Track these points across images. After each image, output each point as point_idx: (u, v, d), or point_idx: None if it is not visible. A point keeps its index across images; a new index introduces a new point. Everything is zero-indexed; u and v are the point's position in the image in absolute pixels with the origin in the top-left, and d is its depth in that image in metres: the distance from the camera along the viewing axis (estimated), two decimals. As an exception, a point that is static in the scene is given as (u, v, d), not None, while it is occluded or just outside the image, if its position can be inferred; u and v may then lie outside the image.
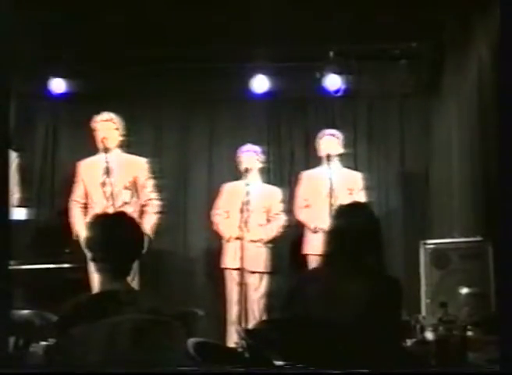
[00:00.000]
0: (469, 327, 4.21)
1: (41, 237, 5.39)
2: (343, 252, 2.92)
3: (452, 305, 4.43)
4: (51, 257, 5.24)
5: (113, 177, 5.14)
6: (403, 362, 2.81)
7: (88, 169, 5.29)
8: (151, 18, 5.44)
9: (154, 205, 5.33)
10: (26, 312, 3.87)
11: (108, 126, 5.29)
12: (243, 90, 6.34)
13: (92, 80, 6.12)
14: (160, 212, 5.35)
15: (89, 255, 2.80)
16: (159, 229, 5.43)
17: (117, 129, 5.31)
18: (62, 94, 6.35)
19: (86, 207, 5.28)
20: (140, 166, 5.33)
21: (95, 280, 4.92)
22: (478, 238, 4.90)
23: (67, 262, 5.23)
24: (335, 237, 2.99)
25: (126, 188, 5.21)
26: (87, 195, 5.27)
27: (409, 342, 3.88)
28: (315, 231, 5.47)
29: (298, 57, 6.16)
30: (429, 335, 4.09)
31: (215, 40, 5.77)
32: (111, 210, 4.95)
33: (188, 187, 6.61)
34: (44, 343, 3.36)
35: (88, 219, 5.09)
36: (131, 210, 5.05)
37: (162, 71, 6.28)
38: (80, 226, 5.15)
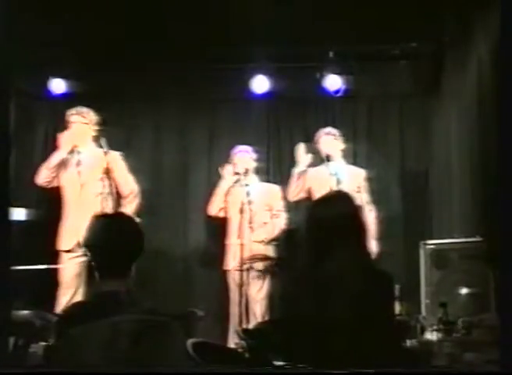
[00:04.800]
0: (469, 327, 4.21)
1: (41, 237, 5.39)
2: (325, 244, 2.87)
3: (452, 306, 4.45)
4: (50, 257, 5.25)
5: (83, 170, 5.21)
6: (403, 360, 2.80)
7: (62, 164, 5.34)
8: (151, 18, 5.43)
9: (134, 193, 5.39)
10: (26, 312, 3.88)
11: (82, 120, 5.33)
12: (243, 90, 6.34)
13: (92, 80, 6.12)
14: (138, 200, 5.41)
15: (88, 255, 2.80)
16: (159, 229, 5.43)
17: (87, 123, 5.32)
18: (62, 94, 6.35)
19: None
20: (112, 158, 5.33)
21: (68, 278, 4.99)
22: (478, 238, 4.90)
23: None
24: (313, 230, 2.94)
25: (100, 180, 5.20)
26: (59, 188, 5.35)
27: (409, 342, 3.89)
28: None
29: (298, 57, 6.16)
30: (429, 335, 4.10)
31: (215, 40, 5.77)
32: (81, 202, 5.10)
33: (188, 187, 6.60)
34: (44, 343, 3.37)
35: (65, 214, 5.23)
36: (106, 202, 5.09)
37: (162, 71, 6.28)
38: None
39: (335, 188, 5.34)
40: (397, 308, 4.26)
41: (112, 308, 2.49)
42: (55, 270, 5.19)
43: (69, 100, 6.35)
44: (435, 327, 4.20)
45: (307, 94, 6.46)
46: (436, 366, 3.38)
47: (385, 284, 2.86)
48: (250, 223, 5.41)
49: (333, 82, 6.26)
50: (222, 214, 5.72)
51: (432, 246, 5.04)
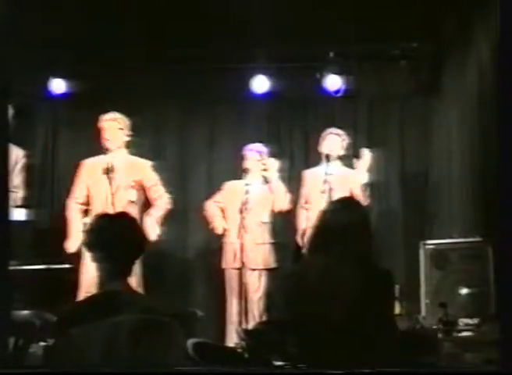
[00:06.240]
0: (469, 328, 4.22)
1: (41, 238, 5.39)
2: (330, 247, 2.89)
3: (452, 306, 4.45)
4: (51, 257, 5.25)
5: (118, 176, 5.16)
6: (403, 360, 2.80)
7: (91, 169, 5.31)
8: (151, 18, 5.44)
9: (162, 199, 5.38)
10: (26, 312, 3.88)
11: (112, 125, 5.31)
12: (243, 90, 6.34)
13: (92, 80, 6.12)
14: (170, 206, 5.42)
15: (90, 254, 2.80)
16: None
17: (121, 129, 5.33)
18: (62, 94, 6.36)
19: (85, 208, 5.31)
20: (144, 168, 5.37)
21: (87, 280, 4.97)
22: (478, 239, 4.90)
23: (67, 262, 5.23)
24: (322, 232, 2.96)
25: (132, 187, 5.22)
26: (88, 195, 5.29)
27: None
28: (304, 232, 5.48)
29: (298, 57, 6.16)
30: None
31: (215, 40, 5.77)
32: (112, 209, 4.99)
33: (188, 187, 6.60)
34: (44, 343, 3.36)
35: (88, 219, 5.15)
36: (135, 209, 5.09)
37: (162, 71, 6.28)
38: (76, 227, 5.21)
39: (326, 188, 5.38)
40: (397, 308, 4.26)
41: (112, 308, 2.49)
42: (55, 270, 5.19)
43: (69, 100, 6.37)
44: (435, 327, 4.21)
45: (307, 94, 6.45)
46: (436, 366, 3.38)
47: (384, 283, 2.86)
48: (249, 222, 5.42)
49: (333, 82, 6.25)
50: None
51: (431, 246, 5.04)
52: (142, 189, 5.34)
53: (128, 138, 5.37)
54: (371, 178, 5.67)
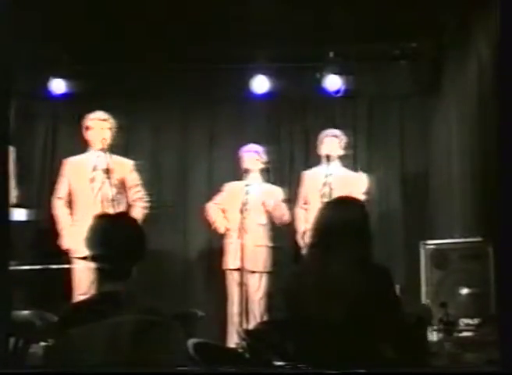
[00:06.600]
0: (469, 328, 4.22)
1: (41, 238, 5.39)
2: (329, 246, 2.88)
3: (452, 306, 4.45)
4: (51, 257, 5.25)
5: (101, 175, 5.18)
6: (403, 360, 2.80)
7: (74, 167, 5.33)
8: (151, 18, 5.44)
9: (142, 201, 5.39)
10: (26, 312, 3.87)
11: (100, 125, 5.32)
12: (243, 90, 6.34)
13: (92, 80, 6.13)
14: (148, 209, 5.41)
15: (90, 255, 2.79)
16: (159, 229, 5.43)
17: (109, 128, 5.35)
18: (62, 94, 6.36)
19: (70, 205, 5.32)
20: (127, 167, 5.39)
21: (80, 281, 5.00)
22: (479, 239, 4.90)
23: (66, 262, 5.23)
24: (321, 231, 2.95)
25: (114, 186, 5.22)
26: (70, 193, 5.30)
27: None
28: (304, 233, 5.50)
29: (298, 57, 6.17)
30: (429, 335, 4.10)
31: (215, 40, 5.77)
32: (97, 206, 5.05)
33: (188, 188, 6.60)
34: (44, 343, 3.36)
35: (75, 217, 5.22)
36: (115, 208, 5.13)
37: (162, 71, 6.28)
38: (65, 223, 5.24)
39: (326, 191, 5.39)
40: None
41: (112, 309, 2.49)
42: (55, 270, 5.19)
43: (69, 100, 6.37)
44: (435, 327, 4.21)
45: (307, 94, 6.46)
46: (436, 366, 3.38)
47: (384, 282, 2.85)
48: (249, 223, 5.42)
49: (333, 82, 6.26)
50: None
51: (432, 246, 5.04)
52: (123, 188, 5.34)
53: (113, 137, 5.37)
54: (370, 203, 5.65)
